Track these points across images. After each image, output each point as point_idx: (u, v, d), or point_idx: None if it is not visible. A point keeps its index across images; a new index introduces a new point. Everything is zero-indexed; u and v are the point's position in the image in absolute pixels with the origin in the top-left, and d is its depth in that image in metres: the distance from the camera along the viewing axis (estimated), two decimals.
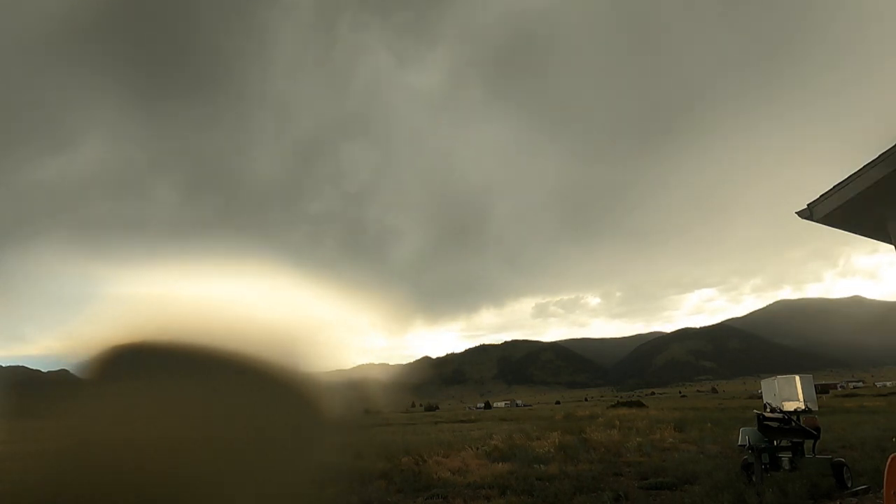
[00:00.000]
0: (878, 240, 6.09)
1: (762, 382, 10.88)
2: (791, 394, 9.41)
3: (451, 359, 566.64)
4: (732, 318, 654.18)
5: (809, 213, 5.43)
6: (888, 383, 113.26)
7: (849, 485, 7.33)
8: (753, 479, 7.75)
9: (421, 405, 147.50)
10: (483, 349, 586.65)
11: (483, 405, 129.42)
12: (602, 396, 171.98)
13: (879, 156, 4.71)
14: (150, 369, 1.45)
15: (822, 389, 66.98)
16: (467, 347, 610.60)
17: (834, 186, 5.14)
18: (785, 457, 7.97)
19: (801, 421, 8.18)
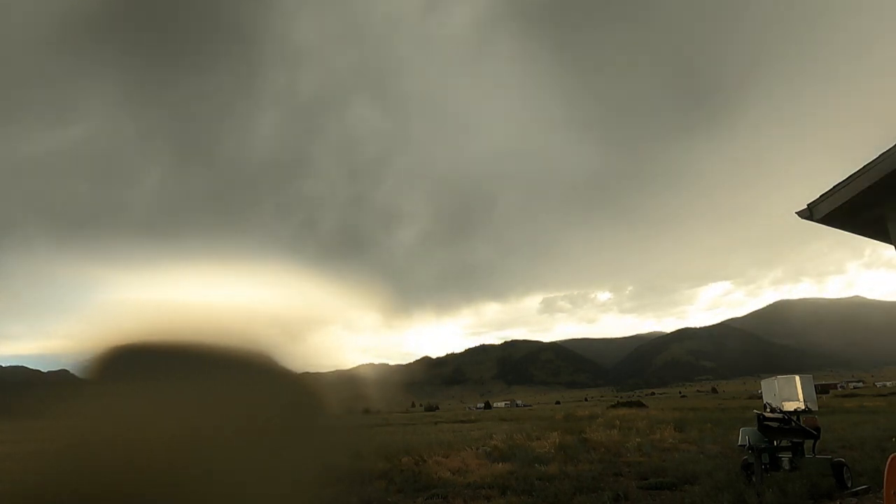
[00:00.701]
0: (878, 240, 6.08)
1: (762, 382, 10.89)
2: (791, 394, 9.41)
3: (450, 359, 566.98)
4: (732, 318, 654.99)
5: (809, 213, 5.42)
6: (888, 383, 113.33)
7: (849, 485, 7.33)
8: (753, 479, 7.75)
9: (421, 405, 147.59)
10: (483, 349, 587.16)
11: (483, 405, 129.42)
12: (602, 396, 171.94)
13: (880, 155, 4.70)
14: (150, 369, 1.45)
15: (822, 389, 66.96)
16: (467, 347, 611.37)
17: (834, 186, 5.13)
18: (785, 457, 7.96)
19: (801, 421, 8.18)
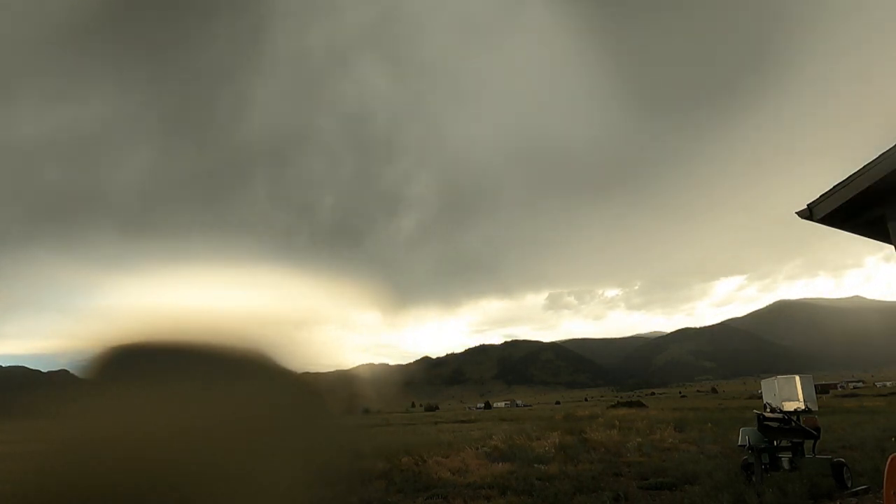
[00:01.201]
0: (878, 240, 6.07)
1: (762, 382, 10.86)
2: (791, 394, 9.39)
3: (450, 359, 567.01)
4: (732, 318, 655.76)
5: (809, 213, 5.42)
6: (888, 383, 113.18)
7: (849, 485, 7.33)
8: (753, 479, 7.75)
9: (421, 405, 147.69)
10: (483, 349, 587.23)
11: (483, 405, 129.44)
12: (602, 396, 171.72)
13: (879, 156, 4.70)
14: (150, 369, 1.45)
15: (822, 389, 66.98)
16: (468, 347, 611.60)
17: (834, 186, 5.13)
18: (785, 457, 7.97)
19: (801, 421, 8.18)
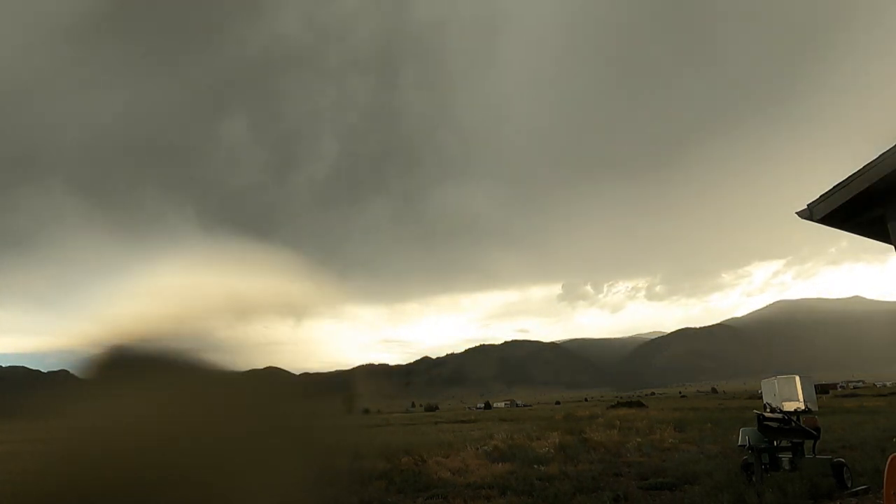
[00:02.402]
0: (878, 240, 6.07)
1: (762, 382, 10.87)
2: (791, 394, 9.39)
3: (450, 359, 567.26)
4: (732, 318, 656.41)
5: (809, 213, 5.42)
6: (888, 383, 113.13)
7: (849, 485, 7.33)
8: (753, 479, 7.75)
9: (421, 405, 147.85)
10: (483, 349, 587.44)
11: (483, 405, 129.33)
12: (602, 397, 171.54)
13: (879, 156, 4.70)
14: (150, 369, 1.45)
15: (822, 389, 66.90)
16: (468, 347, 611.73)
17: (834, 186, 5.12)
18: (785, 457, 7.97)
19: (801, 421, 8.18)
